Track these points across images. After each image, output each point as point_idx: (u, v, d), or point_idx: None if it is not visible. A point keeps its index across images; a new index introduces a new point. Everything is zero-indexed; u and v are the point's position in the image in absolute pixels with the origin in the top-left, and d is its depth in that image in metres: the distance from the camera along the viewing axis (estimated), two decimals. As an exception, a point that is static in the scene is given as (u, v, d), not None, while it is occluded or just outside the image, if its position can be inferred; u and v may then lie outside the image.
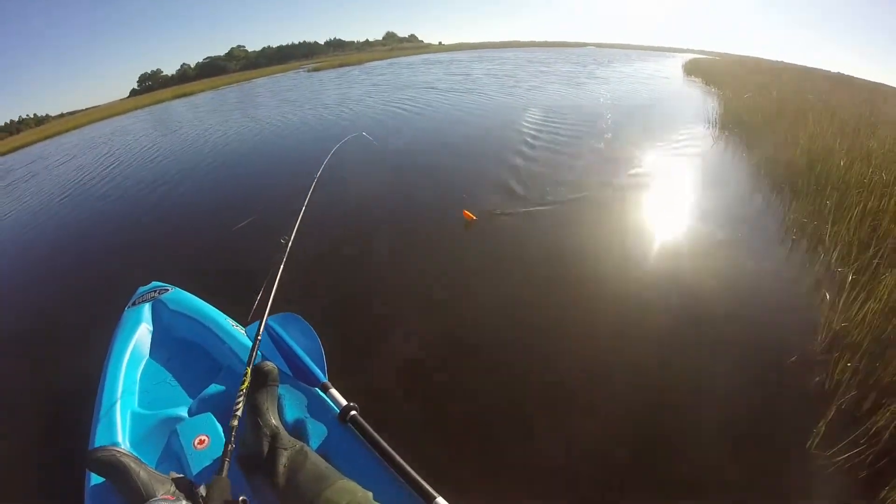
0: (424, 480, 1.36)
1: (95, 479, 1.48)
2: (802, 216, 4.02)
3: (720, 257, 3.65)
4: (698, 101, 10.58)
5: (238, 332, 2.12)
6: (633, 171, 5.64)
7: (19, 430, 2.76)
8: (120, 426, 1.70)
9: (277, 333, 1.96)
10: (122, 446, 1.56)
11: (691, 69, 17.77)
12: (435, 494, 1.33)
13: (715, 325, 2.83)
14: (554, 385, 2.47)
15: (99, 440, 1.63)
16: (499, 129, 8.24)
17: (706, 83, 13.36)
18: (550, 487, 1.95)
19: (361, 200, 5.20)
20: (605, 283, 3.34)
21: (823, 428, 2.03)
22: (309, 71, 39.67)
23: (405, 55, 47.55)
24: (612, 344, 2.75)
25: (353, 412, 1.61)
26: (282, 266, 2.19)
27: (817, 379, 2.35)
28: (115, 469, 1.41)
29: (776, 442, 2.09)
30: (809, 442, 2.01)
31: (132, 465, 1.41)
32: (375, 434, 1.52)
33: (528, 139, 7.28)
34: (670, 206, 4.64)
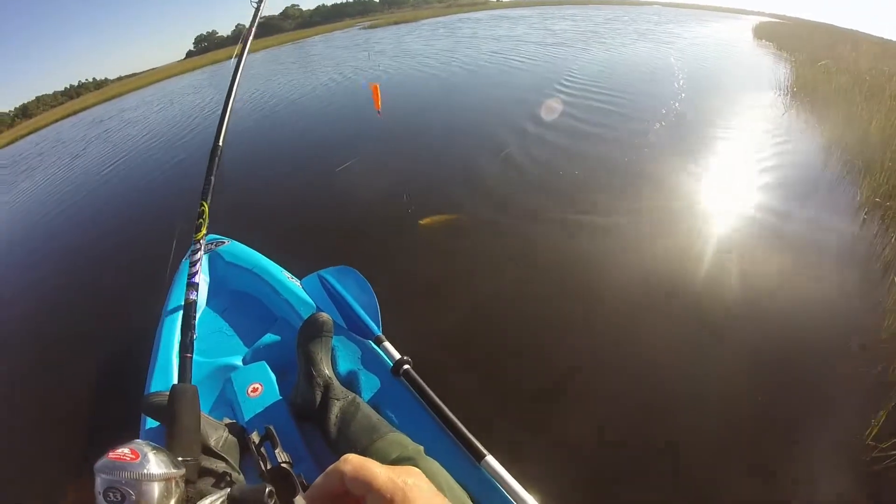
0: (475, 437, 1.35)
1: (150, 422, 1.53)
2: (875, 195, 3.68)
3: (783, 234, 3.39)
4: (768, 67, 9.91)
5: (293, 284, 2.14)
6: (695, 139, 5.34)
7: (81, 374, 2.96)
8: (176, 372, 1.74)
9: (332, 286, 1.97)
10: None
11: (762, 33, 16.62)
12: (485, 452, 1.31)
13: (773, 304, 2.64)
14: (621, 363, 2.38)
15: (155, 385, 1.69)
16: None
17: (778, 48, 12.50)
18: (599, 459, 1.93)
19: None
20: (663, 255, 3.18)
21: (884, 418, 1.89)
22: (363, 28, 39.76)
23: (464, 11, 46.71)
24: (679, 323, 2.61)
25: (407, 366, 1.60)
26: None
27: (881, 367, 2.17)
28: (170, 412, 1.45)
29: (832, 431, 1.96)
30: (867, 432, 1.87)
31: None
32: (428, 389, 1.51)
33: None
34: (732, 179, 4.36)
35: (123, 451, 0.73)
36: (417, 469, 0.44)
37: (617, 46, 13.35)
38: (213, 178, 1.80)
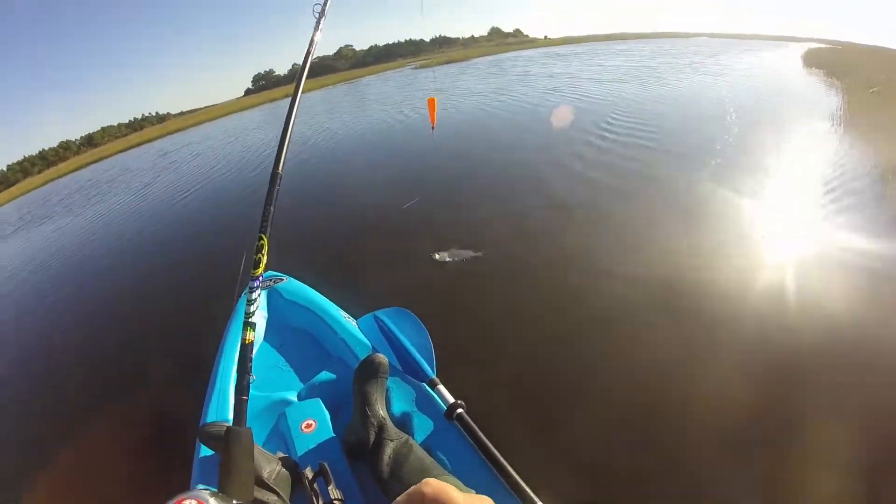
0: (527, 484, 1.35)
1: (205, 451, 1.59)
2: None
3: (839, 268, 3.31)
4: (819, 96, 9.69)
5: (349, 323, 2.20)
6: (749, 176, 5.22)
7: (141, 401, 3.09)
8: (231, 410, 1.80)
9: (388, 327, 2.01)
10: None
11: (812, 60, 16.25)
12: (536, 500, 1.31)
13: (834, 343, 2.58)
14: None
15: (211, 416, 1.76)
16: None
17: (828, 75, 12.21)
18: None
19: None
20: (727, 301, 3.09)
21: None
22: (415, 68, 40.81)
23: (512, 50, 47.50)
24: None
25: (460, 410, 1.61)
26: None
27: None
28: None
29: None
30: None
31: None
32: (481, 433, 1.51)
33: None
34: (791, 214, 4.25)
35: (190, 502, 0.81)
36: (489, 499, 0.46)
37: (672, 81, 13.37)
38: (272, 208, 1.77)
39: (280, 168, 1.84)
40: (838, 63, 14.52)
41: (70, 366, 4.08)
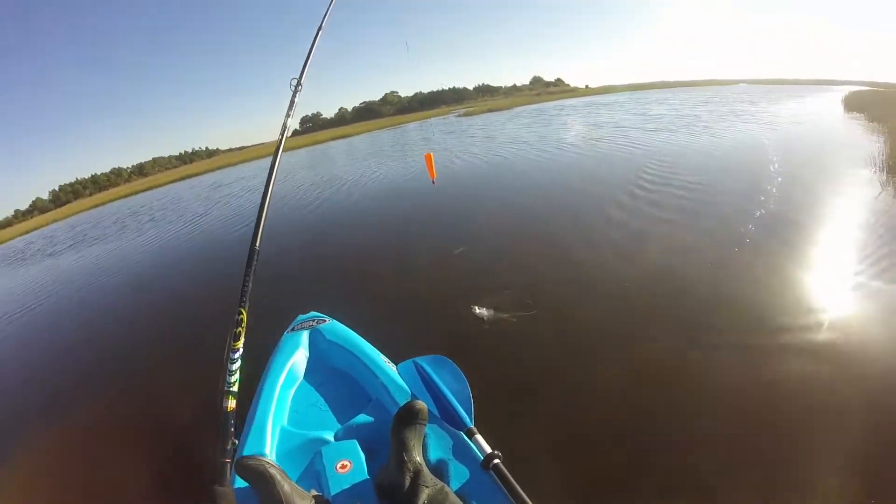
0: None
1: (240, 483, 1.61)
2: None
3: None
4: (861, 141, 9.54)
5: (389, 368, 2.24)
6: (795, 227, 5.14)
7: (179, 432, 3.16)
8: (269, 439, 1.86)
9: (428, 373, 2.05)
10: (269, 458, 1.70)
11: (853, 104, 15.97)
12: None
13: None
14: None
15: (248, 449, 1.79)
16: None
17: (870, 120, 12.00)
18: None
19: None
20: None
21: None
22: (458, 116, 41.65)
23: (554, 99, 48.17)
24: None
25: (497, 460, 1.62)
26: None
27: None
28: (261, 477, 1.53)
29: None
30: None
31: (277, 475, 1.53)
32: (517, 485, 1.52)
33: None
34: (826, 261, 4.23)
35: None
36: None
37: (717, 129, 13.35)
38: (251, 283, 1.85)
39: (258, 244, 1.95)
40: (880, 105, 14.28)
41: (121, 375, 4.39)
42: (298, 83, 2.42)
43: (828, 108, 16.22)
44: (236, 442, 1.60)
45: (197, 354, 4.09)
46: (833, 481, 2.12)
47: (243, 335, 1.71)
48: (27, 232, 32.27)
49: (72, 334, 5.95)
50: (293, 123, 2.39)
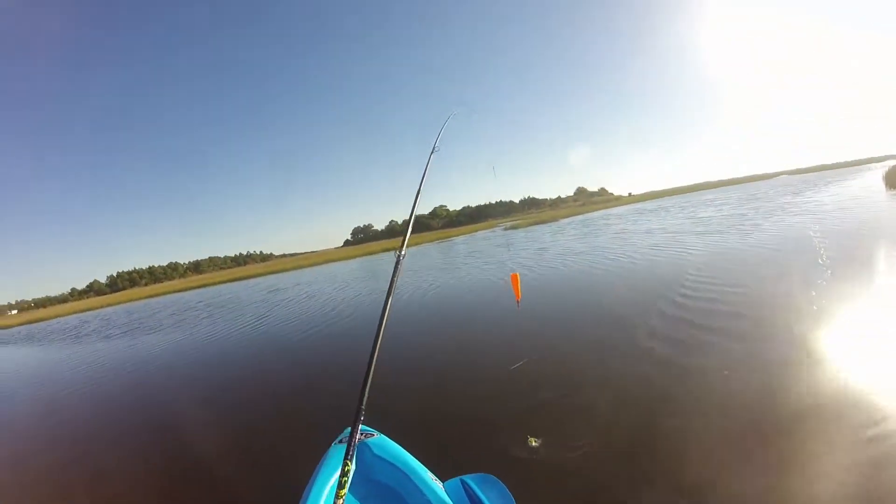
0: None
1: None
2: None
3: None
4: None
5: (437, 485, 2.16)
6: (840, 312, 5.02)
7: None
8: None
9: (475, 492, 1.99)
10: None
11: (894, 180, 15.50)
12: None
13: None
14: None
15: None
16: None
17: None
18: None
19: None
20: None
21: None
22: (506, 229, 42.50)
23: (599, 209, 48.80)
24: None
25: None
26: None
27: None
28: None
29: None
30: None
31: None
32: None
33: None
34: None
35: None
36: None
37: (767, 226, 13.32)
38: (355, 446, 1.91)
39: (362, 408, 2.02)
40: None
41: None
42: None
43: (871, 188, 15.94)
44: None
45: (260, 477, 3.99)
46: None
47: (348, 484, 1.76)
48: (82, 311, 33.73)
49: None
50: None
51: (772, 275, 7.59)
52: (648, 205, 36.62)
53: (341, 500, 1.65)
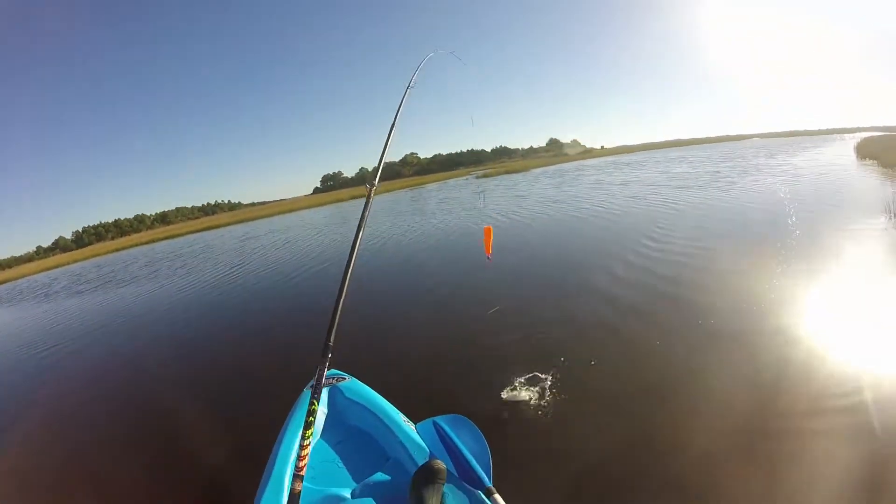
0: None
1: None
2: None
3: None
4: (876, 188, 9.57)
5: (409, 427, 2.25)
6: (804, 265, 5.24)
7: (195, 480, 3.19)
8: (286, 494, 1.85)
9: (446, 433, 2.06)
10: None
11: (865, 151, 15.98)
12: None
13: None
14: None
15: (266, 502, 1.81)
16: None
17: (883, 165, 12.00)
18: None
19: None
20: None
21: None
22: (478, 178, 42.23)
23: (571, 160, 48.76)
24: None
25: None
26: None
27: None
28: None
29: None
30: None
31: None
32: None
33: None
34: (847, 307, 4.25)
35: None
36: None
37: (743, 184, 13.55)
38: (322, 379, 1.91)
39: (331, 339, 2.02)
40: (892, 151, 14.27)
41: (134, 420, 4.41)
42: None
43: (843, 158, 16.30)
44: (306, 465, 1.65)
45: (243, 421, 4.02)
46: None
47: (314, 425, 1.74)
48: (49, 269, 32.93)
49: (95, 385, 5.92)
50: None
51: (745, 231, 7.79)
52: (622, 158, 36.58)
53: (307, 441, 1.69)
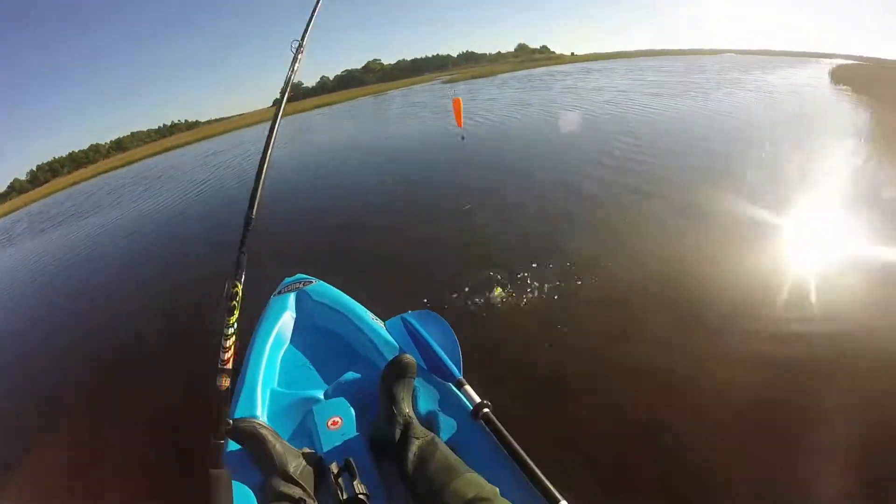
0: (550, 482, 1.37)
1: (233, 446, 1.65)
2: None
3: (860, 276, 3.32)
4: (848, 113, 9.70)
5: (377, 324, 2.24)
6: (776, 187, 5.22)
7: (169, 398, 3.18)
8: (260, 402, 1.88)
9: (416, 328, 2.07)
10: (261, 419, 1.73)
11: (840, 77, 16.15)
12: (559, 497, 1.33)
13: None
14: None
15: (240, 412, 1.80)
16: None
17: (855, 92, 12.18)
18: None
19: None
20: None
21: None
22: (444, 83, 41.04)
23: (540, 66, 47.55)
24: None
25: (486, 409, 1.64)
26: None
27: None
28: (253, 438, 1.57)
29: None
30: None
31: (269, 436, 1.57)
32: (506, 433, 1.54)
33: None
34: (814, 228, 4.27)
35: None
36: None
37: (718, 96, 13.47)
38: (245, 255, 1.71)
39: (253, 212, 1.78)
40: (864, 79, 14.45)
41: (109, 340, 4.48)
42: (301, 45, 2.27)
43: (817, 80, 16.35)
44: (230, 422, 1.55)
45: (193, 332, 4.03)
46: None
47: (237, 310, 1.61)
48: (7, 213, 31.74)
49: (58, 311, 5.91)
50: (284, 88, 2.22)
51: (719, 138, 7.83)
52: (593, 65, 35.42)
53: (230, 330, 1.60)
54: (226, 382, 1.54)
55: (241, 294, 1.64)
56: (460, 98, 3.62)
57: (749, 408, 2.35)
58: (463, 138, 3.64)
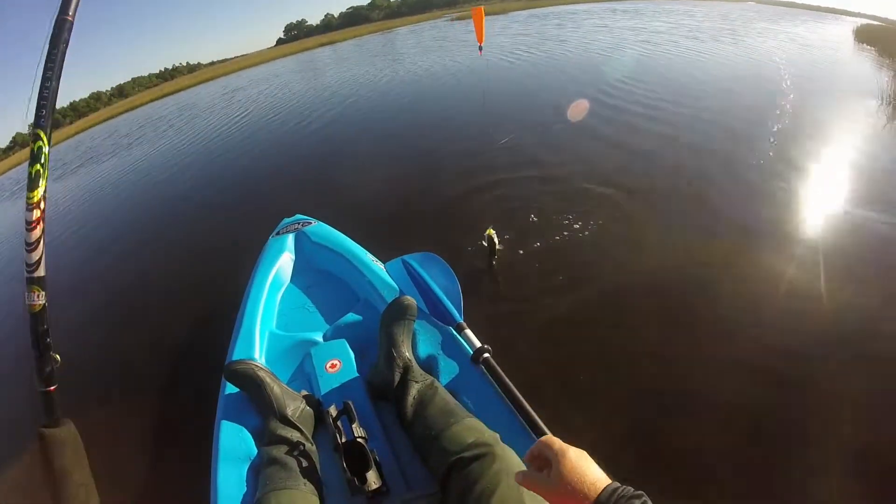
0: (549, 428, 1.36)
1: (230, 388, 1.65)
2: None
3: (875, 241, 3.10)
4: (871, 74, 9.39)
5: (377, 266, 2.22)
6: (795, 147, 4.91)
7: (168, 339, 3.22)
8: (258, 344, 1.88)
9: (416, 271, 2.04)
10: (259, 362, 1.71)
11: (863, 37, 15.61)
12: None
13: None
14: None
15: (237, 354, 1.81)
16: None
17: (880, 54, 11.74)
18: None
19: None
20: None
21: None
22: (452, 20, 39.82)
23: (555, 4, 45.81)
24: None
25: (487, 354, 1.62)
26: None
27: None
28: (250, 380, 1.57)
29: None
30: None
31: (267, 378, 1.56)
32: (506, 378, 1.53)
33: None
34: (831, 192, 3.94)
35: None
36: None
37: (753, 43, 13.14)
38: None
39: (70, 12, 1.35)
40: (890, 41, 13.99)
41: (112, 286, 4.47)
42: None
43: (842, 39, 15.84)
44: (58, 358, 1.27)
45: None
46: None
47: (45, 178, 1.21)
48: (12, 167, 31.56)
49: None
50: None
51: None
52: (614, 5, 33.68)
53: (37, 213, 1.29)
54: (39, 300, 1.14)
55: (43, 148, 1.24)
56: (482, 7, 3.28)
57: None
58: (480, 52, 3.18)
